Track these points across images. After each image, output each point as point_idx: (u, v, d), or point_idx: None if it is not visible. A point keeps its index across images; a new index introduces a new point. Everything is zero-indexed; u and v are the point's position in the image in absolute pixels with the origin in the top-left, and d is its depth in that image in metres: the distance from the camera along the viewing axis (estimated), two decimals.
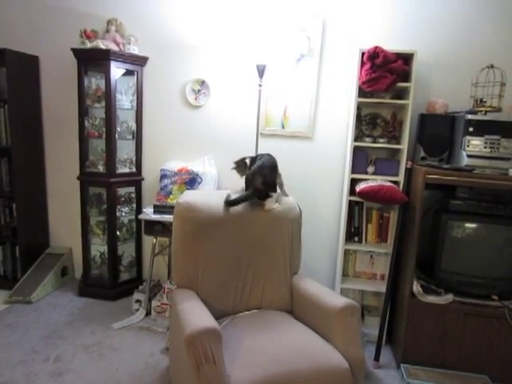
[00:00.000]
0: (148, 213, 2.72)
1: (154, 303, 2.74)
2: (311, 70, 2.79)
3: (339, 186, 2.92)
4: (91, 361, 2.25)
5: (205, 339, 1.48)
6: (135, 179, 3.06)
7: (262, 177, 2.05)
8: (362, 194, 2.46)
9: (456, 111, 2.50)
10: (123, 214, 3.04)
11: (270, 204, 2.10)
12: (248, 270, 2.06)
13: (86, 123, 2.88)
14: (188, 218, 1.96)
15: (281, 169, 2.90)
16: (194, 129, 3.03)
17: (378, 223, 2.70)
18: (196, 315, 1.65)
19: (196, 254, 1.95)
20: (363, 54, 2.44)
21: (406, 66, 2.43)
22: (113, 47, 2.76)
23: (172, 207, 2.47)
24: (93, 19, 2.95)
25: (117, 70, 2.78)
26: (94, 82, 2.89)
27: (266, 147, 2.91)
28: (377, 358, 2.38)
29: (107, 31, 2.86)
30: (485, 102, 2.38)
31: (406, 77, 2.47)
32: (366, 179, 2.56)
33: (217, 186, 2.90)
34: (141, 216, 2.73)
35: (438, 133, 2.48)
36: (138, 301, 2.81)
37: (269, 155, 2.19)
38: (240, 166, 2.23)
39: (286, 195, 2.25)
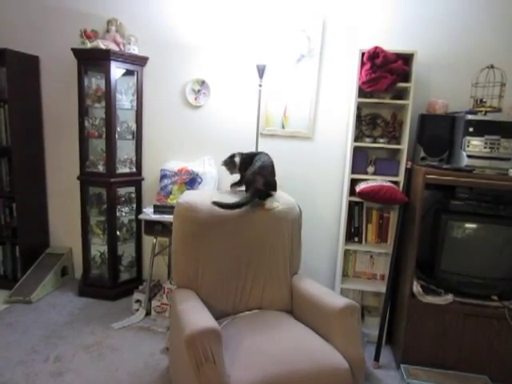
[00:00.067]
0: (148, 213, 2.72)
1: (154, 303, 2.74)
2: (311, 70, 2.79)
3: (339, 186, 2.92)
4: (91, 361, 2.25)
5: (205, 339, 1.48)
6: (135, 179, 3.06)
7: (263, 177, 2.05)
8: (362, 194, 2.46)
9: (456, 111, 2.50)
10: (123, 214, 3.04)
11: (271, 203, 2.10)
12: (248, 270, 2.06)
13: (86, 123, 2.88)
14: (188, 217, 1.96)
15: (281, 169, 2.92)
16: (194, 129, 3.03)
17: (378, 223, 2.70)
18: (196, 315, 1.65)
19: (196, 254, 1.95)
20: (363, 54, 2.44)
21: (406, 67, 2.43)
22: (113, 47, 2.76)
23: (172, 207, 2.47)
24: (93, 19, 2.95)
25: (117, 70, 2.78)
26: (94, 81, 2.89)
27: (266, 147, 2.91)
28: (377, 358, 2.38)
29: (107, 31, 2.86)
30: (485, 102, 2.39)
31: (406, 77, 2.47)
32: (366, 179, 2.56)
33: (217, 186, 2.90)
34: (141, 216, 2.73)
35: (438, 133, 2.48)
36: (138, 301, 2.81)
37: (266, 154, 2.18)
38: (228, 164, 2.22)
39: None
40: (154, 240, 2.75)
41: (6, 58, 2.80)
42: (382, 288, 2.57)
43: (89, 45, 2.74)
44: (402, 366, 2.29)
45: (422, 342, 2.31)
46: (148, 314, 2.77)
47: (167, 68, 2.98)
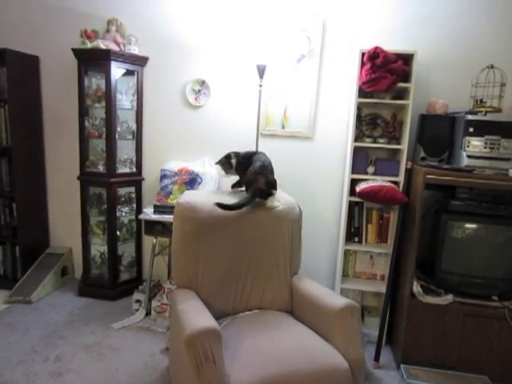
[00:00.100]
0: (148, 213, 2.72)
1: (154, 303, 2.74)
2: (311, 70, 2.79)
3: (339, 186, 2.92)
4: (91, 361, 2.25)
5: (205, 339, 1.48)
6: (135, 179, 3.06)
7: (264, 177, 2.05)
8: (362, 194, 2.46)
9: (456, 112, 2.50)
10: (123, 213, 3.04)
11: (272, 202, 2.10)
12: (248, 270, 2.06)
13: (87, 123, 2.88)
14: (188, 218, 1.96)
15: (281, 169, 2.92)
16: (195, 129, 3.03)
17: (378, 223, 2.70)
18: (196, 315, 1.65)
19: (196, 254, 1.95)
20: (363, 54, 2.44)
21: (406, 67, 2.43)
22: (113, 47, 2.76)
23: (172, 207, 2.47)
24: (93, 19, 2.95)
25: (117, 70, 2.78)
26: (95, 81, 2.89)
27: (266, 147, 2.91)
28: (377, 358, 2.38)
29: (107, 31, 2.86)
30: (485, 102, 2.39)
31: (406, 77, 2.47)
32: (366, 179, 2.56)
33: (217, 187, 2.90)
34: (141, 216, 2.73)
35: (438, 133, 2.48)
36: (137, 301, 2.81)
37: (263, 154, 2.19)
38: (224, 164, 2.21)
39: None
40: (154, 240, 2.75)
41: (6, 57, 2.80)
42: (382, 288, 2.57)
43: (89, 45, 2.74)
44: (402, 366, 2.29)
45: (422, 342, 2.31)
46: (148, 314, 2.77)
47: (167, 68, 2.98)
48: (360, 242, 2.73)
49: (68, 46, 2.87)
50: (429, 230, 2.49)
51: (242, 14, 2.82)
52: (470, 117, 2.31)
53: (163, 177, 2.89)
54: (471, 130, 2.30)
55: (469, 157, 2.31)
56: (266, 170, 2.08)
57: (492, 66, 2.38)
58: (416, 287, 2.29)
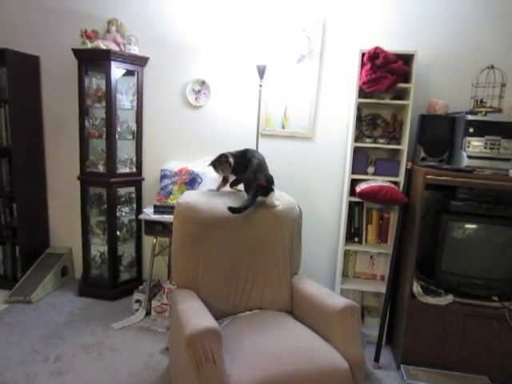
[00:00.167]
0: (148, 213, 2.72)
1: (154, 303, 2.74)
2: (311, 70, 2.79)
3: (339, 186, 2.92)
4: (91, 361, 2.25)
5: (205, 339, 1.48)
6: (135, 179, 3.06)
7: (263, 174, 2.07)
8: (362, 194, 2.46)
9: (456, 112, 2.50)
10: (123, 214, 3.04)
11: (272, 199, 2.10)
12: (248, 270, 2.06)
13: (87, 123, 2.88)
14: (188, 218, 1.96)
15: (281, 169, 2.93)
16: (195, 129, 3.03)
17: (378, 224, 2.70)
18: (196, 315, 1.65)
19: (196, 254, 1.95)
20: (363, 54, 2.44)
21: (407, 67, 2.43)
22: (113, 47, 2.76)
23: (172, 207, 2.47)
24: (93, 19, 2.96)
25: (117, 70, 2.78)
26: (95, 82, 2.90)
27: (267, 147, 2.91)
28: (377, 358, 2.38)
29: (108, 31, 2.86)
30: (485, 102, 2.39)
31: (406, 77, 2.47)
32: (366, 180, 2.56)
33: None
34: (141, 216, 2.73)
35: (439, 133, 2.48)
36: (137, 301, 2.81)
37: (256, 151, 2.20)
38: (223, 164, 2.16)
39: None
40: (154, 240, 2.75)
41: (6, 57, 2.80)
42: (382, 288, 2.57)
43: (89, 45, 2.74)
44: (402, 366, 2.29)
45: (422, 342, 2.31)
46: (148, 314, 2.77)
47: (167, 68, 2.98)
48: (360, 242, 2.73)
49: (68, 46, 2.87)
50: (429, 230, 2.49)
51: (242, 14, 2.82)
52: (470, 117, 2.31)
53: (163, 177, 2.89)
54: (471, 130, 2.30)
55: (469, 157, 2.31)
56: (263, 166, 2.11)
57: (492, 67, 2.38)
58: (416, 287, 2.29)
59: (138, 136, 3.02)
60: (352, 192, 2.58)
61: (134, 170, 3.04)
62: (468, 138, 2.31)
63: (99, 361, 2.26)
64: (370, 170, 2.60)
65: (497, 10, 2.58)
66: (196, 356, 1.46)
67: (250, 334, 1.78)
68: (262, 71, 2.66)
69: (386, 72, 2.38)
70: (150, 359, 2.30)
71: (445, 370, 2.28)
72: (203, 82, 2.93)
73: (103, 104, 2.80)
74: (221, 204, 2.04)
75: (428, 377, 2.22)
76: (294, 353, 1.65)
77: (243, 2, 2.81)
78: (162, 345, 2.44)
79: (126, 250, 3.15)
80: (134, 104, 2.97)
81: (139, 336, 2.53)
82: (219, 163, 2.17)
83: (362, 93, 2.51)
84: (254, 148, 2.82)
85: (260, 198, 2.08)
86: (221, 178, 2.25)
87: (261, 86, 2.69)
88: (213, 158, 2.21)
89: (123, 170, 2.98)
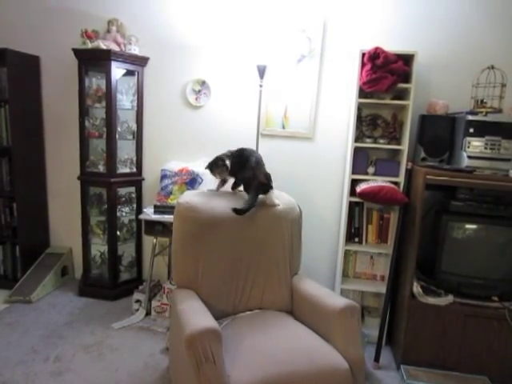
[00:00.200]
0: (148, 213, 2.72)
1: (154, 303, 2.74)
2: (312, 70, 2.79)
3: (339, 186, 2.92)
4: (91, 361, 2.25)
5: (205, 339, 1.48)
6: (135, 179, 3.06)
7: (262, 171, 2.08)
8: (362, 194, 2.46)
9: (456, 112, 2.50)
10: (123, 214, 3.04)
11: (272, 197, 2.10)
12: (248, 270, 2.06)
13: (87, 123, 2.88)
14: (188, 218, 1.96)
15: (281, 169, 2.93)
16: (195, 129, 3.03)
17: (379, 224, 2.70)
18: (196, 315, 1.65)
19: (196, 254, 1.95)
20: (364, 54, 2.44)
21: (407, 67, 2.43)
22: (114, 47, 2.76)
23: (172, 207, 2.47)
24: (94, 19, 2.96)
25: (117, 70, 2.78)
26: (95, 82, 2.90)
27: (267, 148, 2.91)
28: (377, 358, 2.38)
29: (108, 31, 2.86)
30: (485, 102, 2.38)
31: (406, 77, 2.47)
32: (366, 180, 2.56)
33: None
34: (141, 216, 2.73)
35: (439, 134, 2.48)
36: (138, 301, 2.81)
37: (251, 149, 2.20)
38: (220, 167, 2.15)
39: None
40: (154, 240, 2.75)
41: (6, 57, 2.80)
42: (382, 289, 2.57)
43: (89, 45, 2.74)
44: (402, 366, 2.29)
45: (422, 342, 2.31)
46: (148, 314, 2.77)
47: (168, 68, 2.98)
48: (360, 242, 2.73)
49: (68, 46, 2.87)
50: (429, 230, 2.49)
51: (242, 14, 2.82)
52: (470, 117, 2.31)
53: (163, 177, 2.89)
54: (471, 130, 2.30)
55: (469, 157, 2.31)
56: (260, 164, 2.11)
57: (492, 67, 2.38)
58: (416, 288, 2.29)
59: (138, 136, 3.02)
60: (352, 192, 2.58)
61: (134, 170, 3.04)
62: (468, 139, 2.31)
63: (99, 361, 2.26)
64: (371, 170, 2.60)
65: (497, 10, 2.58)
66: (196, 356, 1.46)
67: (250, 334, 1.78)
68: (262, 71, 2.66)
69: (386, 72, 2.38)
70: (150, 359, 2.30)
71: (445, 371, 2.28)
72: (203, 82, 2.93)
73: (103, 104, 2.80)
74: (221, 204, 2.04)
75: (428, 377, 2.22)
76: (294, 353, 1.65)
77: (243, 2, 2.81)
78: (161, 345, 2.44)
79: (126, 250, 3.15)
80: (135, 104, 2.97)
81: (139, 336, 2.53)
82: (216, 166, 2.16)
83: (362, 93, 2.51)
84: (254, 148, 2.82)
85: (260, 197, 2.08)
86: (219, 180, 2.25)
87: (261, 86, 2.69)
88: (212, 158, 2.20)
89: (123, 170, 2.98)
